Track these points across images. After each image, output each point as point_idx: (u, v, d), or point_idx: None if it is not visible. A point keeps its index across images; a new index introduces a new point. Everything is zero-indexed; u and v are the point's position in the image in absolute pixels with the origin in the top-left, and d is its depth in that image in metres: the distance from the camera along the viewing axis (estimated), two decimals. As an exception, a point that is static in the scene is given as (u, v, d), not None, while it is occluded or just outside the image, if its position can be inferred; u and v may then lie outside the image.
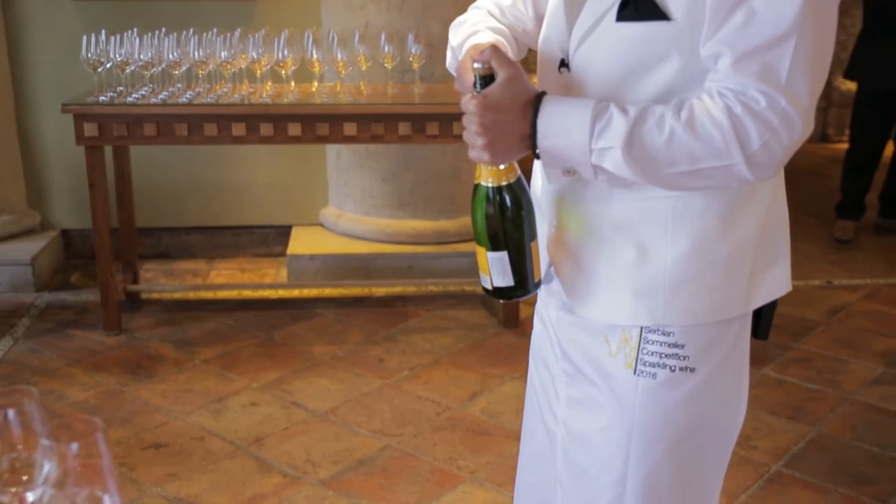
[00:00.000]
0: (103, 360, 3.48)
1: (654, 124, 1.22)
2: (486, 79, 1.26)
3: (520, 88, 1.27)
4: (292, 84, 3.65)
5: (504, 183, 1.30)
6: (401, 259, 4.19)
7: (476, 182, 1.33)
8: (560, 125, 1.25)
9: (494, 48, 1.27)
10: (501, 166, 1.30)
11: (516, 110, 1.26)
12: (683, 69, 1.25)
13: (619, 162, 1.23)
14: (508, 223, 1.32)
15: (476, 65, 1.26)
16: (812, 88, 1.20)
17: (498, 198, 1.31)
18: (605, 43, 1.29)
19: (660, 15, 1.24)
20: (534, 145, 1.27)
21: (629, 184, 1.28)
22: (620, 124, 1.22)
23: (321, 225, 4.49)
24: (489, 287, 1.37)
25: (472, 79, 1.28)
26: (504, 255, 1.33)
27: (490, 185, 1.31)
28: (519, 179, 1.32)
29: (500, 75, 1.26)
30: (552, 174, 1.30)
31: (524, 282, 1.35)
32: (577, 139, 1.24)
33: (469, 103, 1.27)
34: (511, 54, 1.41)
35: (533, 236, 1.35)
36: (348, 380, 3.34)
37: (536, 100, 1.27)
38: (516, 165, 1.33)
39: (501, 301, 1.42)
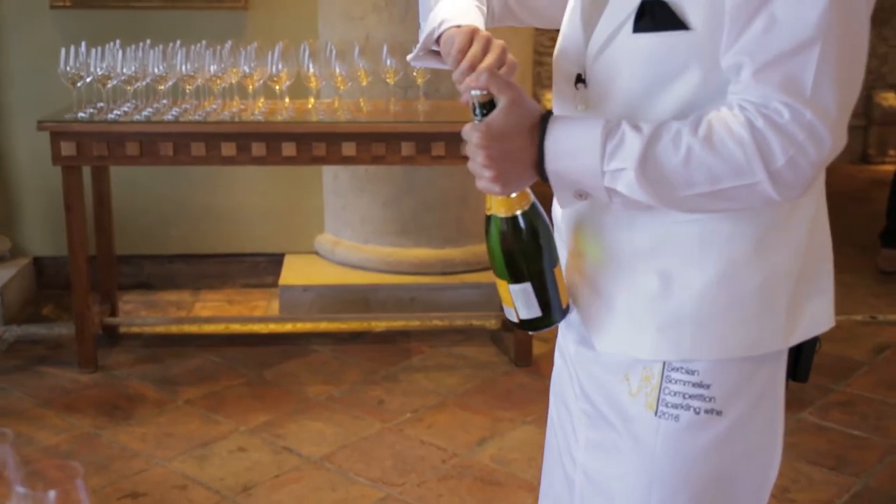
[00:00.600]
0: (77, 401, 3.47)
1: (669, 142, 1.23)
2: (486, 106, 1.28)
3: (523, 112, 1.28)
4: (287, 100, 3.66)
5: (518, 212, 1.33)
6: (403, 291, 4.19)
7: (487, 213, 1.35)
8: (569, 147, 1.26)
9: (490, 73, 1.29)
10: (513, 195, 1.32)
11: (523, 136, 1.27)
12: (705, 81, 1.27)
13: (632, 184, 1.24)
14: (527, 253, 1.34)
15: (473, 92, 1.28)
16: (841, 99, 1.20)
17: (513, 228, 1.33)
18: (623, 56, 1.31)
19: (678, 24, 1.26)
20: (542, 169, 1.28)
21: (645, 207, 1.28)
22: (633, 143, 1.23)
23: (316, 253, 4.49)
24: (515, 320, 1.40)
25: (462, 57, 1.32)
26: (527, 286, 1.36)
27: (503, 215, 1.33)
28: (533, 205, 1.34)
29: (501, 101, 1.27)
30: (564, 198, 1.31)
31: (550, 310, 1.38)
32: (588, 161, 1.25)
33: (471, 134, 1.28)
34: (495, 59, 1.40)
35: (555, 262, 1.37)
36: (345, 423, 3.33)
37: (543, 121, 1.28)
38: (528, 191, 1.34)
39: (531, 333, 1.44)
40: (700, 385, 1.35)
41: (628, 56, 1.30)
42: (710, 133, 1.22)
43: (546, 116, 1.28)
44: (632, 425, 1.39)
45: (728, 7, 1.22)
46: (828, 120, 1.20)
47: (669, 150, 1.23)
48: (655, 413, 1.37)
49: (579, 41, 1.38)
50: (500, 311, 4.04)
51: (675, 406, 1.36)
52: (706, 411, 1.35)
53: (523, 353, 3.75)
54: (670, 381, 1.36)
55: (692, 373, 1.35)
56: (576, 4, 1.42)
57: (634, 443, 1.39)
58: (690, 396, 1.35)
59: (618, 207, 1.31)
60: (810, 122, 1.19)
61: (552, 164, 1.27)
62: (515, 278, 1.35)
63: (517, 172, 1.28)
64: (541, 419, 3.29)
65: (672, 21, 1.26)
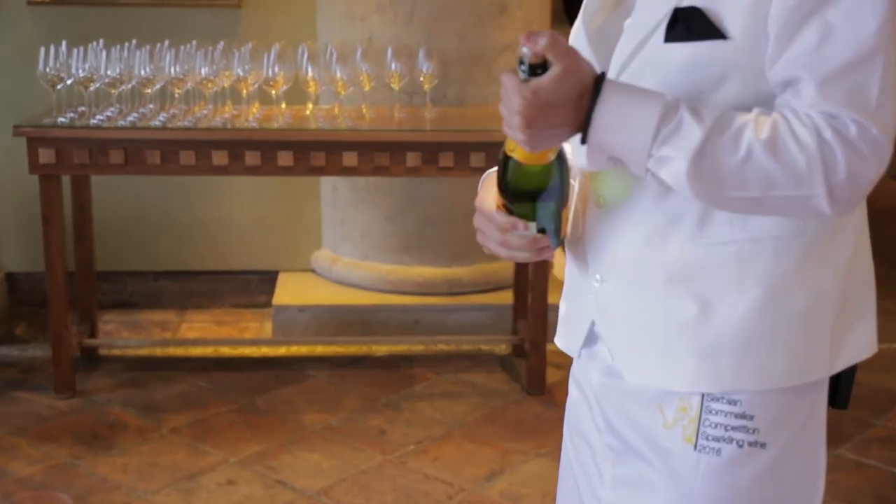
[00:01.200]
0: (53, 428, 3.48)
1: (730, 138, 1.23)
2: (537, 67, 1.25)
3: (576, 80, 1.24)
4: (283, 106, 3.69)
5: (543, 164, 1.33)
6: (406, 312, 4.20)
7: (508, 154, 1.34)
8: (620, 121, 1.24)
9: (552, 36, 1.24)
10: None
11: (569, 106, 1.25)
12: (744, 93, 1.28)
13: (679, 175, 1.24)
14: (538, 197, 1.36)
15: (524, 49, 1.24)
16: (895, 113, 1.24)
17: (531, 175, 1.35)
18: (652, 68, 1.31)
19: (715, 33, 1.27)
20: (584, 135, 1.26)
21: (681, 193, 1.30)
22: (691, 133, 1.23)
23: (313, 271, 4.51)
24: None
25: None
26: (531, 223, 1.40)
27: (525, 163, 1.33)
28: (559, 157, 1.34)
29: (555, 67, 1.23)
30: (596, 160, 1.30)
31: (547, 235, 1.41)
32: (637, 140, 1.24)
33: (513, 96, 1.24)
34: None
35: (564, 204, 1.40)
36: (343, 455, 3.34)
37: (595, 87, 1.25)
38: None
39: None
40: (743, 416, 1.36)
41: (659, 68, 1.31)
42: (775, 136, 1.23)
43: (599, 82, 1.25)
44: (668, 459, 1.40)
45: (773, 14, 1.24)
46: (890, 134, 1.23)
47: (728, 148, 1.23)
48: (695, 447, 1.38)
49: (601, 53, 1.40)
50: (510, 335, 4.06)
51: (717, 439, 1.37)
52: (750, 444, 1.36)
53: (536, 380, 3.76)
54: (711, 413, 1.37)
55: (734, 403, 1.36)
56: (584, 33, 1.44)
57: (672, 478, 1.39)
58: (733, 428, 1.36)
59: (650, 182, 1.31)
60: (875, 137, 1.22)
61: (597, 133, 1.25)
62: (521, 213, 1.39)
63: (553, 137, 1.27)
64: (555, 452, 3.29)
65: (709, 30, 1.27)
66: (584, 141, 1.27)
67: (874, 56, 1.22)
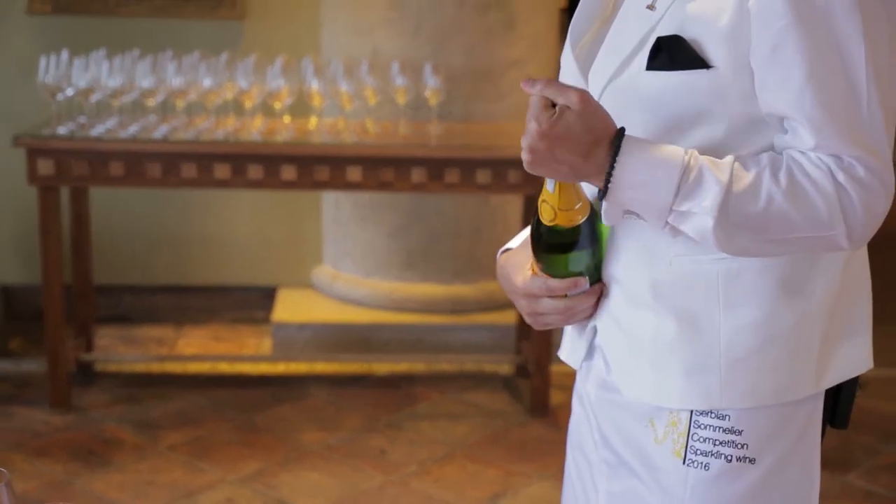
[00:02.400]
0: (48, 444, 3.47)
1: (750, 187, 1.27)
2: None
3: (597, 124, 1.28)
4: (287, 119, 3.70)
5: (573, 224, 1.37)
6: (408, 331, 4.19)
7: (540, 204, 1.37)
8: (641, 178, 1.28)
9: (548, 81, 1.28)
10: (577, 205, 1.35)
11: (578, 149, 1.27)
12: (729, 123, 1.31)
13: (705, 231, 1.27)
14: (561, 259, 1.40)
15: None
16: (890, 138, 1.28)
17: (558, 233, 1.38)
18: (634, 95, 1.34)
19: (698, 63, 1.29)
20: (603, 191, 1.29)
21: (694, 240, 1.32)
22: (712, 188, 1.26)
23: (313, 287, 4.51)
24: None
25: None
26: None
27: (559, 225, 1.36)
28: (588, 219, 1.37)
29: (573, 107, 1.26)
30: (613, 215, 1.33)
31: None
32: (658, 196, 1.28)
33: (539, 111, 1.27)
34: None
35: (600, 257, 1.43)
36: (344, 474, 3.32)
37: (614, 144, 1.28)
38: (585, 202, 1.37)
39: None
40: (731, 431, 1.37)
41: (639, 97, 1.34)
42: (793, 182, 1.27)
43: (618, 138, 1.28)
44: (658, 474, 1.41)
45: (754, 45, 1.27)
46: (889, 163, 1.27)
47: (749, 198, 1.27)
48: (683, 461, 1.39)
49: (578, 78, 1.43)
50: (514, 354, 4.05)
51: (705, 454, 1.38)
52: (738, 459, 1.38)
53: (539, 402, 3.75)
54: (699, 427, 1.38)
55: (723, 418, 1.38)
56: (568, 49, 1.47)
57: (662, 493, 1.40)
58: (721, 443, 1.38)
59: (664, 232, 1.33)
60: (879, 170, 1.27)
61: (617, 192, 1.29)
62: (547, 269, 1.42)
63: (556, 172, 1.30)
64: (559, 474, 3.26)
65: (692, 59, 1.29)
66: (602, 196, 1.30)
67: (861, 88, 1.25)
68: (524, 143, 1.28)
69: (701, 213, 1.27)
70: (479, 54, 4.11)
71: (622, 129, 1.29)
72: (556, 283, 1.41)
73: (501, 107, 4.15)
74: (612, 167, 1.28)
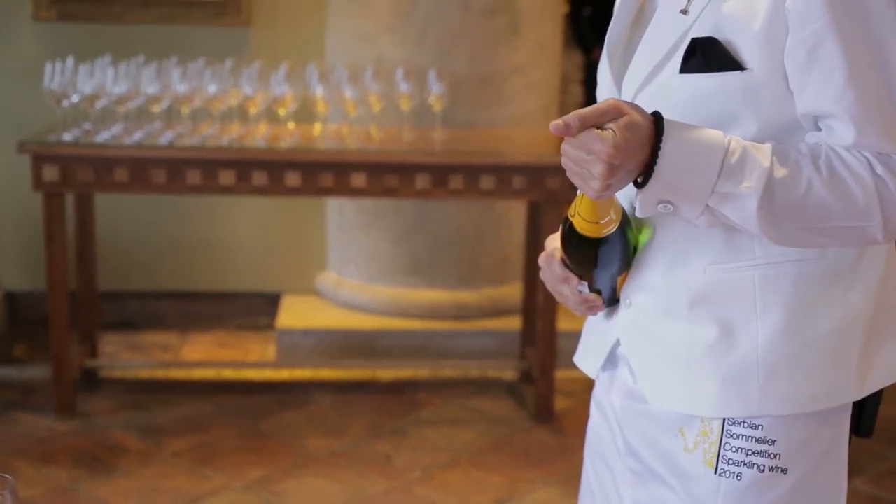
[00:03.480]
0: (53, 451, 3.47)
1: (790, 172, 1.27)
2: None
3: (639, 120, 1.27)
4: (291, 126, 3.71)
5: (602, 234, 1.38)
6: (412, 337, 4.21)
7: (570, 217, 1.39)
8: (685, 159, 1.27)
9: (581, 116, 1.25)
10: (606, 218, 1.36)
11: (644, 148, 1.26)
12: (762, 125, 1.31)
13: (750, 212, 1.27)
14: (592, 263, 1.42)
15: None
16: None
17: (591, 243, 1.40)
18: (666, 99, 1.34)
19: (733, 65, 1.29)
20: (645, 178, 1.27)
21: (727, 227, 1.33)
22: (756, 168, 1.26)
23: (317, 293, 4.52)
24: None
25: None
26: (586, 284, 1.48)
27: (587, 235, 1.38)
28: (622, 226, 1.38)
29: (621, 119, 1.25)
30: (647, 205, 1.32)
31: (602, 297, 1.48)
32: (703, 176, 1.27)
33: (598, 141, 1.23)
34: None
35: (623, 270, 1.44)
36: (348, 480, 3.33)
37: (657, 127, 1.27)
38: (617, 209, 1.37)
39: None
40: (764, 441, 1.38)
41: (674, 100, 1.33)
42: (832, 170, 1.27)
43: (661, 121, 1.27)
44: (688, 483, 1.41)
45: (790, 47, 1.27)
46: None
47: (790, 183, 1.27)
48: (715, 471, 1.39)
49: (610, 82, 1.44)
50: (518, 360, 4.06)
51: (737, 463, 1.38)
52: (770, 469, 1.38)
53: (544, 408, 3.76)
54: (731, 437, 1.38)
55: (756, 427, 1.38)
56: (605, 59, 1.47)
57: (692, 502, 1.41)
58: (754, 453, 1.38)
59: (699, 222, 1.33)
60: None
61: (662, 173, 1.27)
62: (578, 273, 1.46)
63: (628, 181, 1.29)
64: (564, 480, 3.31)
65: (727, 61, 1.30)
66: (643, 184, 1.28)
67: (894, 85, 1.26)
68: (598, 169, 1.24)
69: (745, 194, 1.26)
70: (484, 60, 4.12)
71: (657, 114, 1.28)
72: (557, 269, 1.46)
73: (505, 113, 4.17)
74: (658, 148, 1.26)
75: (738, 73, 1.29)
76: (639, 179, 1.29)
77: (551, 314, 3.67)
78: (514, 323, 4.15)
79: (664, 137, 1.26)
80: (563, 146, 1.28)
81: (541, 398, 3.75)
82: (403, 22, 4.11)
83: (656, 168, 1.26)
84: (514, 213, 4.23)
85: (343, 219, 4.41)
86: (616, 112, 1.26)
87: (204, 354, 4.33)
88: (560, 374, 3.69)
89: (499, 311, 4.29)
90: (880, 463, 3.54)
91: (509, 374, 4.14)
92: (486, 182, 3.58)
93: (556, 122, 1.26)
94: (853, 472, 3.48)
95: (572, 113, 1.26)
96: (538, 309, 3.75)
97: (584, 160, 1.26)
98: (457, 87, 3.96)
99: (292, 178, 3.52)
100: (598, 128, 1.25)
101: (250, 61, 3.74)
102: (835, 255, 1.36)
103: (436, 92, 3.74)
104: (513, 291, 4.24)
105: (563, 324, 3.67)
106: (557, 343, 3.66)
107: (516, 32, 4.15)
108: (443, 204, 4.19)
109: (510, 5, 4.13)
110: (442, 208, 4.23)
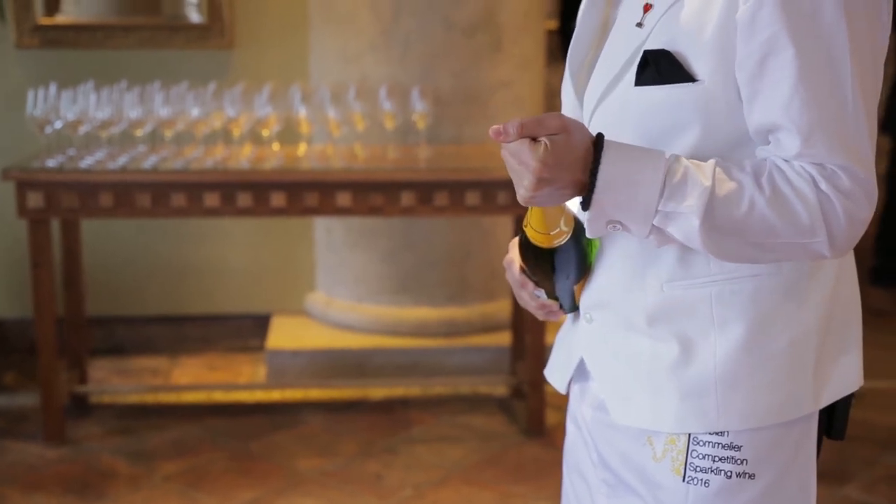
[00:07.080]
0: (43, 478, 3.47)
1: (732, 193, 1.27)
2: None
3: (579, 136, 1.28)
4: (276, 147, 3.73)
5: (554, 244, 1.40)
6: (402, 355, 4.21)
7: (524, 228, 1.42)
8: (625, 178, 1.28)
9: (521, 123, 1.26)
10: (556, 230, 1.39)
11: (577, 165, 1.27)
12: (714, 137, 1.32)
13: (692, 231, 1.28)
14: (548, 271, 1.45)
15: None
16: (873, 147, 1.29)
17: (542, 253, 1.43)
18: (624, 111, 1.36)
19: (684, 76, 1.31)
20: (587, 197, 1.28)
21: (679, 245, 1.34)
22: (699, 187, 1.27)
23: (307, 314, 4.53)
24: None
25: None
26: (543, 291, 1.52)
27: (540, 245, 1.41)
28: (575, 234, 1.40)
29: (558, 136, 1.26)
30: (596, 226, 1.33)
31: (560, 304, 1.53)
32: (644, 196, 1.28)
33: (528, 154, 1.25)
34: None
35: (579, 279, 1.46)
36: (340, 500, 3.33)
37: (597, 145, 1.28)
38: (568, 222, 1.39)
39: None
40: (731, 447, 1.39)
41: (628, 112, 1.35)
42: (775, 188, 1.27)
43: (599, 142, 1.28)
44: (658, 492, 1.43)
45: (740, 58, 1.28)
46: (873, 172, 1.28)
47: (731, 202, 1.27)
48: (683, 478, 1.40)
49: (572, 96, 1.47)
50: (509, 375, 4.07)
51: (705, 470, 1.39)
52: (738, 475, 1.39)
53: (535, 422, 3.77)
54: (698, 444, 1.40)
55: (721, 434, 1.39)
56: (568, 76, 1.50)
57: None
58: (721, 459, 1.39)
59: (648, 243, 1.35)
60: (864, 179, 1.28)
61: (602, 194, 1.28)
62: (535, 280, 1.50)
63: (561, 197, 1.31)
64: (556, 495, 3.28)
65: (678, 72, 1.31)
66: (586, 205, 1.29)
67: (848, 96, 1.26)
68: (526, 181, 1.26)
69: (687, 212, 1.27)
70: (467, 77, 4.14)
71: (599, 135, 1.29)
72: (515, 274, 1.53)
73: (490, 129, 4.17)
74: (595, 170, 1.27)
75: (690, 84, 1.31)
76: (580, 201, 1.31)
77: (540, 328, 3.68)
78: (503, 338, 4.17)
79: (602, 160, 1.27)
80: (502, 150, 1.30)
81: (532, 413, 3.76)
82: (386, 41, 4.13)
83: (595, 190, 1.27)
84: (501, 228, 4.24)
85: (331, 238, 4.42)
86: (557, 127, 1.27)
87: (194, 377, 4.34)
88: (550, 389, 3.65)
89: (488, 327, 4.30)
90: (871, 469, 3.55)
91: (500, 389, 4.15)
92: (472, 198, 3.60)
93: (496, 127, 1.28)
94: (845, 478, 3.51)
95: (513, 119, 1.28)
96: (527, 324, 3.75)
97: (515, 169, 1.29)
98: (442, 104, 3.99)
99: (277, 199, 3.53)
100: (534, 139, 1.26)
101: (234, 83, 3.76)
102: (790, 269, 1.38)
103: (419, 109, 3.76)
104: (502, 307, 4.26)
105: (552, 338, 3.66)
106: (546, 357, 3.66)
107: (499, 49, 4.18)
108: (430, 221, 4.21)
109: (492, 22, 4.15)
110: (429, 226, 4.25)
